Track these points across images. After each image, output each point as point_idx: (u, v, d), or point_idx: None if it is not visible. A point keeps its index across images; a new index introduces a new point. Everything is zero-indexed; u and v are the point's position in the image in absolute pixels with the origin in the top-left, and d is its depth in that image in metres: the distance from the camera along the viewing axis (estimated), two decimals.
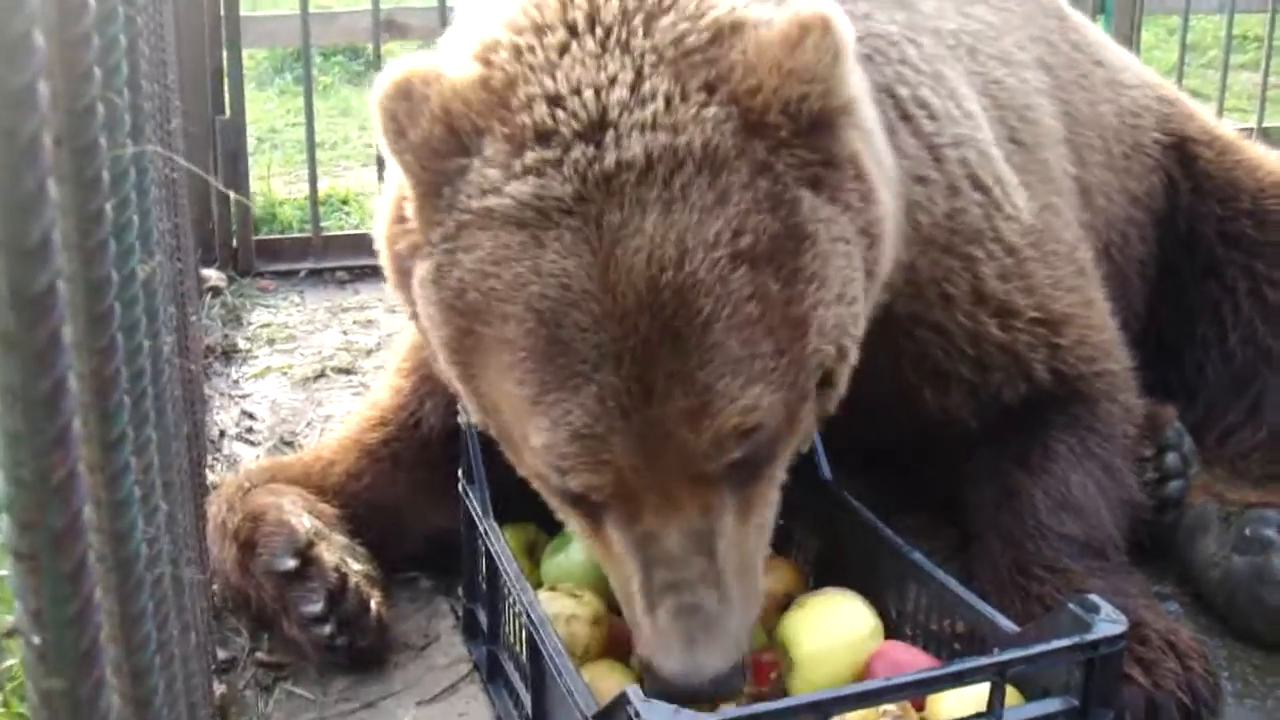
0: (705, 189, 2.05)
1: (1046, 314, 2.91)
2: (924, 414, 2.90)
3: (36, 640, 0.79)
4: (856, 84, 2.28)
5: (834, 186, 2.19)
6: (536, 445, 2.15)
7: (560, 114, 2.09)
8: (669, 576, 2.15)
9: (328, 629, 2.64)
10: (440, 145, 2.15)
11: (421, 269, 2.23)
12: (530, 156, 2.08)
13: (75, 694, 0.81)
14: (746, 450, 2.14)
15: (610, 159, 2.04)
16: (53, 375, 0.73)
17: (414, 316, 2.39)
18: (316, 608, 2.63)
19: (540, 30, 2.18)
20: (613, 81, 2.10)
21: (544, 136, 2.09)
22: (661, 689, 2.09)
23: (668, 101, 2.08)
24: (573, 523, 2.36)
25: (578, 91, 2.10)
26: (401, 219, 2.30)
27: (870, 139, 2.37)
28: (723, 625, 2.15)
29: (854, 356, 2.35)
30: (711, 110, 2.08)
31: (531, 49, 2.16)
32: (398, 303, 2.51)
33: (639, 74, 2.10)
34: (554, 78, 2.12)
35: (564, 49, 2.15)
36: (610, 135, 2.06)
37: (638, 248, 2.03)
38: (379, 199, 2.48)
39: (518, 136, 2.10)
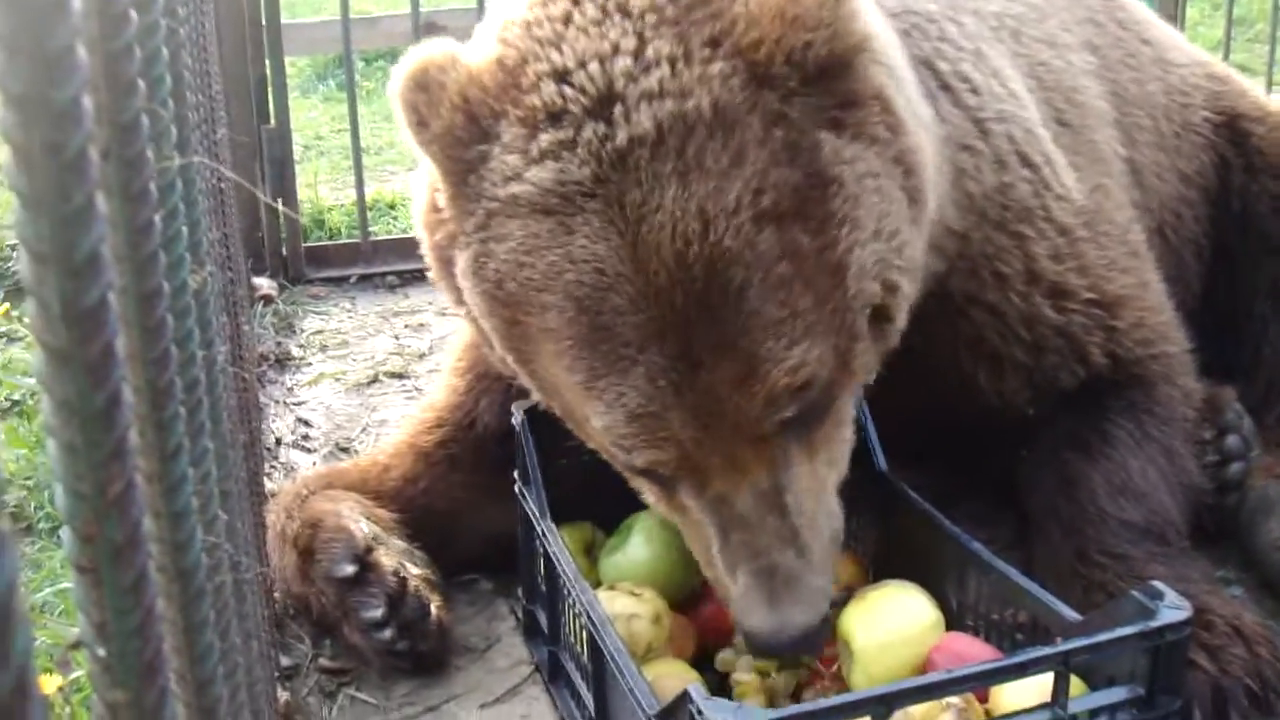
0: (720, 152, 2.03)
1: (1101, 295, 2.87)
2: (981, 400, 2.87)
3: (101, 652, 0.80)
4: (869, 21, 2.24)
5: (857, 124, 2.16)
6: (597, 427, 2.19)
7: (569, 91, 2.08)
8: (745, 538, 2.19)
9: (388, 634, 2.65)
10: (462, 133, 2.15)
11: (461, 260, 2.24)
12: (545, 139, 2.08)
13: (140, 704, 0.81)
14: (801, 405, 2.15)
15: (622, 136, 2.03)
16: (108, 388, 0.73)
17: (460, 304, 2.40)
18: (377, 613, 2.64)
19: (546, 1, 2.18)
20: (616, 50, 2.08)
21: (555, 117, 2.08)
22: (755, 646, 2.24)
23: (672, 65, 2.06)
24: (646, 493, 2.40)
25: (583, 64, 2.09)
26: (436, 209, 2.31)
27: (895, 74, 2.34)
28: (803, 579, 2.18)
29: (909, 288, 2.33)
30: (717, 67, 2.06)
31: (540, 22, 2.16)
32: (448, 304, 2.52)
33: (641, 38, 2.08)
34: (560, 50, 2.11)
35: (567, 18, 2.14)
36: (619, 109, 2.04)
37: (661, 224, 2.02)
38: (415, 188, 2.49)
39: (531, 119, 2.10)
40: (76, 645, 0.80)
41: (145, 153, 0.98)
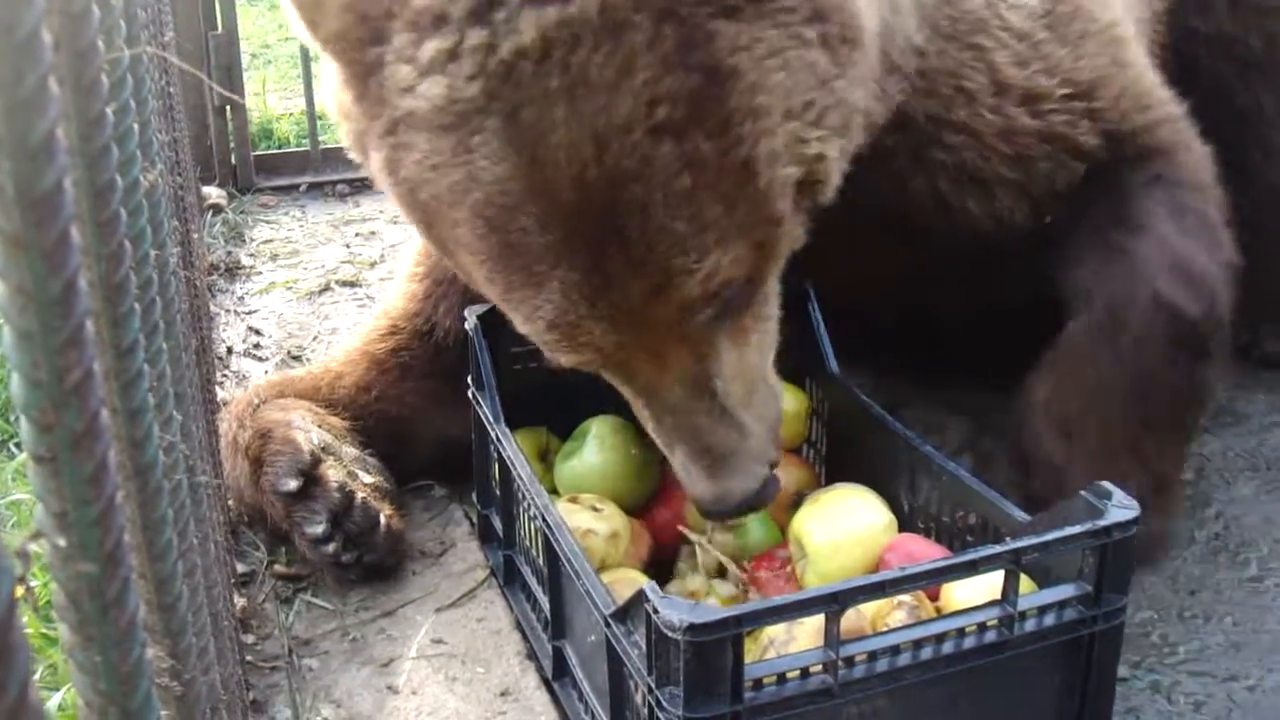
0: (606, 63, 1.89)
1: (1075, 87, 2.77)
2: (980, 230, 2.76)
3: (61, 542, 0.79)
4: None
5: (756, 4, 2.00)
6: (520, 329, 2.19)
7: None
8: (677, 422, 2.22)
9: (332, 547, 2.66)
10: (355, 36, 2.02)
11: (374, 159, 2.15)
12: (430, 48, 1.94)
13: (103, 594, 0.81)
14: (720, 304, 2.11)
15: (506, 48, 1.89)
16: (64, 275, 0.73)
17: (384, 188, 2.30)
18: (319, 529, 2.65)
19: None
20: None
21: (439, 21, 1.93)
22: (703, 509, 2.31)
23: None
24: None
25: None
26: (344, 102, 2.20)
27: None
28: (739, 452, 2.22)
29: (838, 148, 2.19)
30: None
31: None
32: (398, 213, 2.47)
33: None
34: None
35: None
36: (501, 15, 1.89)
37: (557, 144, 1.92)
38: (324, 71, 2.33)
39: (416, 22, 1.95)
40: (36, 536, 0.79)
41: (96, 43, 0.97)
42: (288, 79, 7.00)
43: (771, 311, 2.32)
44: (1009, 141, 2.71)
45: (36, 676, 2.22)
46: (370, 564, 2.73)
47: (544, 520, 2.27)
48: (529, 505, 2.39)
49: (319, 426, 2.85)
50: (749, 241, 2.08)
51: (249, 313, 4.22)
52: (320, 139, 5.52)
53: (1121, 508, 1.99)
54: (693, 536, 2.51)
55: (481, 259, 2.07)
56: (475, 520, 2.89)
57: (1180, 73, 3.32)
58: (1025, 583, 2.03)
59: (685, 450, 2.23)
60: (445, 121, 1.96)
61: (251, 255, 4.72)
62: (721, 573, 2.50)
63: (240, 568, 2.79)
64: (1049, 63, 2.74)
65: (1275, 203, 3.49)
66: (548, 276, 2.03)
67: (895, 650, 1.91)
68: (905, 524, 2.46)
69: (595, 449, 2.65)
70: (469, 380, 2.70)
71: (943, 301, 3.05)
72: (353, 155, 2.32)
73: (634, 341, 2.11)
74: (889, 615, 2.10)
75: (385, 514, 2.74)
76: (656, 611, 1.75)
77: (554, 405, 2.74)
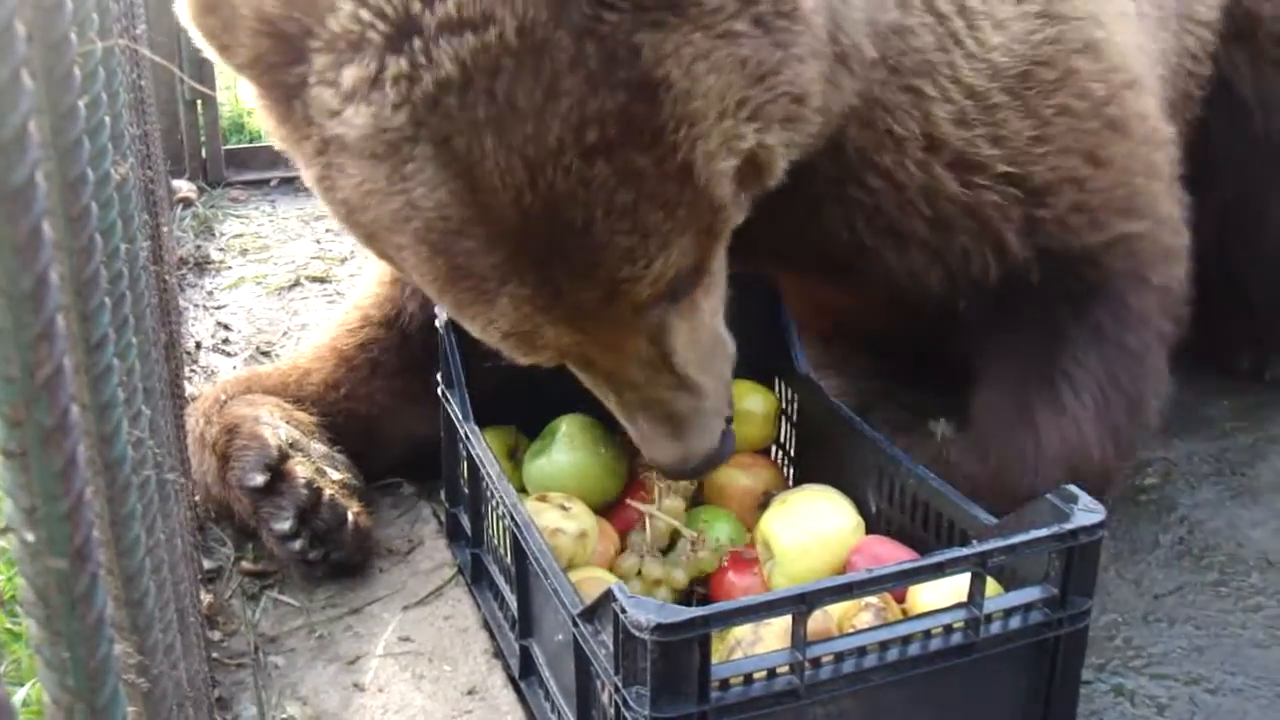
0: (531, 88, 1.85)
1: (1023, 173, 2.57)
2: (894, 280, 2.67)
3: (30, 537, 0.79)
4: None
5: (679, 14, 1.94)
6: (478, 336, 2.20)
7: (364, 15, 1.87)
8: (637, 396, 2.27)
9: (298, 544, 2.66)
10: (274, 59, 1.96)
11: (308, 175, 2.11)
12: (349, 75, 1.89)
13: (71, 589, 0.81)
14: (668, 295, 2.13)
15: (427, 80, 1.85)
16: (36, 270, 0.72)
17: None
18: (285, 525, 2.64)
19: None
20: None
21: (356, 46, 1.88)
22: (663, 473, 2.44)
23: None
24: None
25: None
26: (269, 117, 2.12)
27: None
28: (698, 412, 2.29)
29: (777, 137, 2.13)
30: None
31: None
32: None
33: None
34: None
35: None
36: (418, 44, 1.84)
37: (489, 172, 1.89)
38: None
39: (333, 45, 1.90)
40: (4, 531, 0.79)
41: (69, 35, 0.96)
42: None
43: (719, 278, 2.31)
44: (930, 203, 2.56)
45: (1, 671, 2.21)
46: (337, 561, 2.72)
47: (512, 519, 2.27)
48: (497, 504, 2.39)
49: (287, 422, 2.84)
50: (692, 233, 2.07)
51: (218, 308, 4.20)
52: None
53: (1087, 511, 2.00)
54: (643, 508, 2.53)
55: (430, 279, 2.07)
56: (443, 518, 2.88)
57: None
58: (991, 585, 2.04)
59: (647, 419, 2.29)
60: (376, 150, 1.92)
61: (221, 250, 4.70)
62: (672, 545, 2.51)
63: (207, 564, 2.78)
64: (996, 130, 2.55)
65: None
66: (497, 294, 2.03)
67: (862, 652, 1.91)
68: (872, 526, 2.47)
69: (564, 448, 2.65)
70: (438, 378, 2.69)
71: (880, 319, 3.06)
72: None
73: (590, 339, 2.15)
74: (856, 617, 2.11)
75: (353, 511, 2.73)
76: (624, 611, 1.76)
77: (523, 404, 2.74)
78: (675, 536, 2.51)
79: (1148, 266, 2.72)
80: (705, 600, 2.46)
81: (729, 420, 2.38)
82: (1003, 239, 2.60)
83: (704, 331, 2.28)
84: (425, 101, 1.86)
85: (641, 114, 1.92)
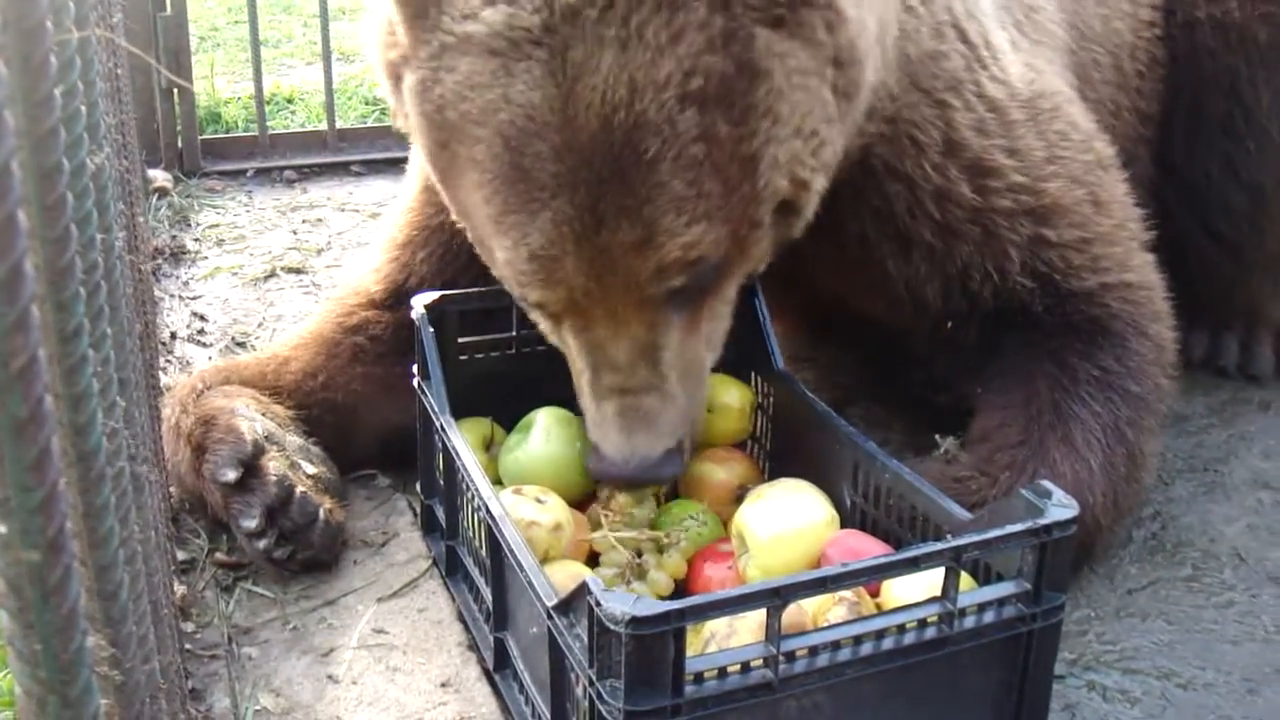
0: (661, 28, 2.09)
1: (1035, 186, 2.75)
2: (892, 292, 2.81)
3: (2, 529, 0.79)
4: None
5: (798, 22, 2.21)
6: (500, 259, 2.32)
7: None
8: (614, 381, 2.36)
9: (263, 543, 2.65)
10: None
11: (410, 79, 2.31)
12: None
13: (44, 581, 0.80)
14: (690, 278, 2.28)
15: None
16: (10, 258, 0.72)
17: (405, 118, 2.46)
18: (253, 523, 2.63)
19: None
20: None
21: None
22: (601, 470, 2.42)
23: None
24: (538, 322, 2.52)
25: None
26: (392, 30, 2.36)
27: None
28: (660, 418, 2.37)
29: (819, 185, 2.39)
30: None
31: None
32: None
33: None
34: None
35: None
36: None
37: (594, 85, 2.10)
38: (368, 14, 2.53)
39: None
40: None
41: (45, 24, 0.96)
42: (236, 63, 6.94)
43: (726, 313, 2.48)
44: (940, 207, 2.74)
45: None
46: (304, 560, 2.71)
47: (487, 511, 2.27)
48: (473, 496, 2.39)
49: (263, 415, 2.83)
50: (731, 230, 2.25)
51: (193, 298, 4.18)
52: (268, 124, 5.48)
53: (1061, 506, 2.01)
54: (597, 538, 2.49)
55: (489, 176, 2.23)
56: (418, 510, 2.88)
57: (1182, 64, 3.43)
58: (965, 580, 2.05)
59: (612, 406, 2.36)
60: (497, 45, 2.14)
61: (197, 240, 4.68)
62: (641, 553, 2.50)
63: (180, 555, 2.76)
64: (1014, 143, 2.77)
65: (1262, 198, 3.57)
66: (545, 205, 2.19)
67: (836, 645, 1.92)
68: (848, 520, 2.47)
69: (540, 440, 2.64)
70: (414, 370, 2.69)
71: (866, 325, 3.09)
72: (377, 83, 2.54)
73: (602, 291, 2.26)
74: (830, 610, 2.11)
75: (325, 507, 2.71)
76: (599, 604, 1.76)
77: (499, 396, 2.74)
78: (640, 553, 2.49)
79: (1146, 319, 2.86)
80: (680, 593, 2.46)
81: (681, 448, 2.44)
82: (1006, 252, 2.76)
83: (695, 350, 2.42)
84: (565, 9, 2.09)
85: (740, 89, 2.16)
